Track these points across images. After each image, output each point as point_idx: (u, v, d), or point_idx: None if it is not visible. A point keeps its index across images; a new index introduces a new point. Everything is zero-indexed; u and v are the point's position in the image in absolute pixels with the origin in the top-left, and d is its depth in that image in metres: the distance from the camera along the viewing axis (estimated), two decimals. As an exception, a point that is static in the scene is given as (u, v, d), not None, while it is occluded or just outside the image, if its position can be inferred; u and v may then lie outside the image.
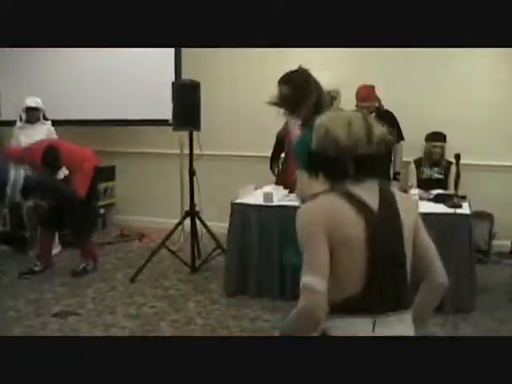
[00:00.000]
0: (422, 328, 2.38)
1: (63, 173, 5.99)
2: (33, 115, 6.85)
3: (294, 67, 3.84)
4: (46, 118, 6.96)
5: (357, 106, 6.36)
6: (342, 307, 2.17)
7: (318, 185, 3.78)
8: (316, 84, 3.79)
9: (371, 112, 6.29)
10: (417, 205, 2.63)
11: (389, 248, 2.19)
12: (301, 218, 2.21)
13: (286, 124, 6.28)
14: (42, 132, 6.79)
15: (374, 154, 2.25)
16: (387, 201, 2.25)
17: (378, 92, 6.56)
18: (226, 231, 5.73)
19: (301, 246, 2.18)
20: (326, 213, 2.16)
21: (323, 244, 2.12)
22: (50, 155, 5.98)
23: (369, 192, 2.23)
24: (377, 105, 6.52)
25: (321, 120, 2.30)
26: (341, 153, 2.20)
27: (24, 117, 6.89)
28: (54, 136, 6.83)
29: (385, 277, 2.18)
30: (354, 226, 2.15)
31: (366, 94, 6.40)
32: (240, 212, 5.64)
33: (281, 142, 6.49)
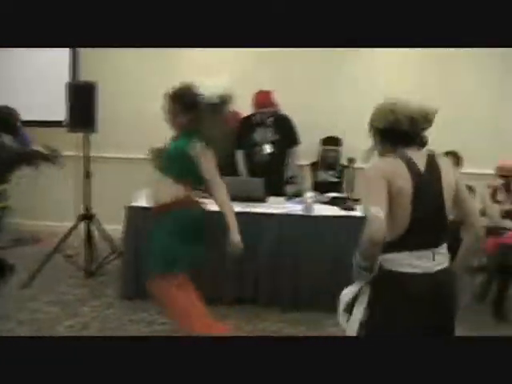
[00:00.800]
0: (466, 266, 3.29)
1: None
2: None
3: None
4: None
5: (255, 113, 6.39)
6: (391, 245, 2.85)
7: (169, 189, 4.08)
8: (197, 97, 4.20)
9: (269, 117, 6.35)
10: (455, 168, 3.22)
11: (430, 198, 2.90)
12: (369, 170, 2.90)
13: None
14: None
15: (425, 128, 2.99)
16: (432, 164, 2.96)
17: (276, 96, 6.59)
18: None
19: (366, 194, 2.85)
20: (387, 168, 2.89)
21: (384, 188, 2.80)
22: None
23: (419, 157, 2.96)
24: (274, 110, 6.52)
25: (382, 106, 3.01)
26: (414, 126, 2.93)
27: None
28: None
29: (426, 220, 2.88)
30: (405, 180, 2.86)
31: (264, 100, 6.41)
32: (134, 215, 5.60)
33: None
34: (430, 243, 2.92)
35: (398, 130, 2.94)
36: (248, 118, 6.44)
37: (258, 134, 6.36)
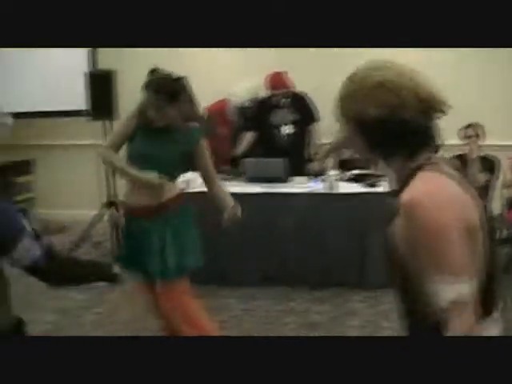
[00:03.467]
0: None
1: None
2: None
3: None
4: None
5: (270, 95, 6.35)
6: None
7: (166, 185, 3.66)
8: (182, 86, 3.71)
9: (285, 98, 6.31)
10: None
11: (488, 232, 1.75)
12: (429, 212, 1.61)
13: (206, 116, 6.36)
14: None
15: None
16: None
17: (292, 75, 6.53)
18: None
19: (427, 247, 1.63)
20: (455, 200, 1.66)
21: (466, 242, 1.63)
22: None
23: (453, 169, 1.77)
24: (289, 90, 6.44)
25: (368, 79, 1.74)
26: (428, 114, 1.75)
27: None
28: None
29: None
30: (474, 213, 1.69)
31: (278, 81, 6.34)
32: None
33: None
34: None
35: (407, 122, 1.69)
36: (263, 100, 6.41)
37: (276, 116, 6.33)
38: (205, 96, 6.74)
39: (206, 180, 3.87)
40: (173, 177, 3.77)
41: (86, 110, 6.60)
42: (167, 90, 3.59)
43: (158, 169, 3.62)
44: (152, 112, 3.59)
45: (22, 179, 8.12)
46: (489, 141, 5.92)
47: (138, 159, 3.70)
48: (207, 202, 3.87)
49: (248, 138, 6.41)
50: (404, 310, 1.88)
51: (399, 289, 1.87)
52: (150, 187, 3.64)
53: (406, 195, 1.65)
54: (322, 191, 5.51)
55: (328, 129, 6.60)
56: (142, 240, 3.71)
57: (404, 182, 1.73)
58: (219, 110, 6.31)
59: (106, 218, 6.88)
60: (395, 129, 1.69)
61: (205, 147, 3.77)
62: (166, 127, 3.65)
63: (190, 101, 3.73)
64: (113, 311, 5.15)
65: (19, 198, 7.95)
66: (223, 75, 7.20)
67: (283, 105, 6.29)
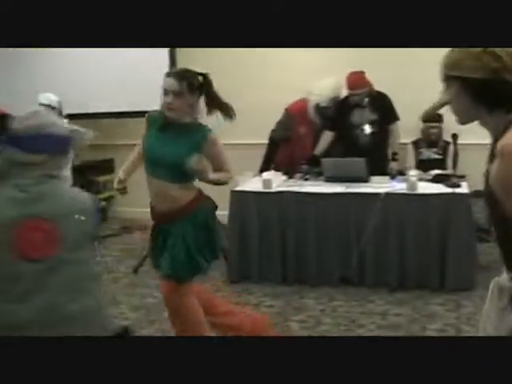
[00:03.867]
0: None
1: None
2: None
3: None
4: (63, 117, 6.98)
5: (349, 95, 6.31)
6: None
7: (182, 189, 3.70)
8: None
9: (364, 97, 6.25)
10: None
11: None
12: None
13: (287, 117, 6.36)
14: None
15: None
16: None
17: (369, 75, 6.47)
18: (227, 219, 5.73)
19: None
20: None
21: None
22: None
23: None
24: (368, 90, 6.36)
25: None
26: None
27: None
28: None
29: None
30: None
31: (357, 81, 6.27)
32: (239, 199, 5.66)
33: (276, 143, 6.49)
34: None
35: (507, 82, 1.91)
36: (343, 100, 6.37)
37: (356, 116, 6.28)
38: (284, 95, 6.87)
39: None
40: (187, 178, 3.73)
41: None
42: (190, 79, 3.67)
43: (169, 172, 3.65)
44: (169, 98, 3.63)
45: (103, 178, 8.30)
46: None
47: (151, 163, 3.77)
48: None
49: (326, 137, 6.37)
50: (503, 252, 2.08)
51: (498, 232, 2.05)
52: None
53: (504, 141, 1.84)
54: (404, 191, 5.43)
55: (405, 128, 6.54)
56: (160, 242, 3.85)
57: (501, 132, 1.92)
58: (300, 110, 6.31)
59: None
60: (498, 88, 1.94)
61: (215, 144, 3.73)
62: (177, 126, 3.68)
63: (214, 97, 3.74)
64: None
65: (101, 196, 8.13)
66: (302, 74, 7.19)
67: (363, 104, 6.24)
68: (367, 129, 6.25)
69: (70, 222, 2.20)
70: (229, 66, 7.60)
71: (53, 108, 6.89)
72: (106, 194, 8.42)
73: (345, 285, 5.51)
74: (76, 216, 2.22)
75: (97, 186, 8.20)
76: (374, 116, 6.26)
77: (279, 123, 6.47)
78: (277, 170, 6.31)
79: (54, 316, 2.18)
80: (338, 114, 6.28)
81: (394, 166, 6.03)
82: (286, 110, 6.49)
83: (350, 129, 6.28)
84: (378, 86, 6.45)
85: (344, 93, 6.34)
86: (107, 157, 8.38)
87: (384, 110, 6.32)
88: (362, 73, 6.30)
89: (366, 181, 5.74)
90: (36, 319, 2.15)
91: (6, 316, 2.14)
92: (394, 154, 6.14)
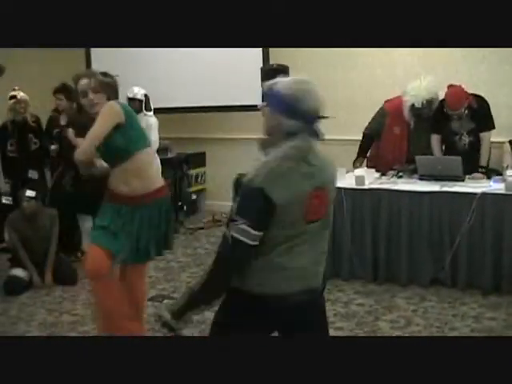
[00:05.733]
0: None
1: None
2: (133, 106, 6.95)
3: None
4: (149, 109, 7.12)
5: (447, 112, 6.10)
6: None
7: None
8: None
9: (464, 111, 6.01)
10: None
11: None
12: None
13: (382, 113, 6.26)
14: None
15: None
16: None
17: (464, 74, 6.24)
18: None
19: None
20: None
21: None
22: None
23: None
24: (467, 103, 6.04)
25: None
26: None
27: None
28: (150, 128, 6.86)
29: None
30: None
31: (456, 102, 5.95)
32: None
33: (371, 137, 6.40)
34: None
35: None
36: (442, 107, 6.14)
37: (456, 124, 6.09)
38: (384, 91, 6.80)
39: None
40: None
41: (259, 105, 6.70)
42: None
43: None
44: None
45: (195, 171, 8.41)
46: None
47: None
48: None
49: (436, 142, 6.20)
50: None
51: None
52: None
53: None
54: (501, 191, 5.27)
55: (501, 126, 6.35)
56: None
57: None
58: (395, 108, 6.17)
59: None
60: None
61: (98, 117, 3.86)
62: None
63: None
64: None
65: (193, 189, 8.26)
66: (398, 73, 7.16)
67: (463, 116, 6.02)
68: (466, 138, 6.08)
69: (332, 189, 2.59)
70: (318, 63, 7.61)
71: (139, 101, 7.03)
72: (198, 187, 8.54)
73: (436, 285, 5.40)
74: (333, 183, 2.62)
75: (188, 178, 8.31)
76: (472, 125, 6.07)
77: (374, 118, 6.38)
78: (369, 166, 6.24)
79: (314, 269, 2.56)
80: (439, 118, 6.10)
81: (478, 176, 5.84)
82: (384, 105, 6.39)
83: (451, 135, 6.11)
84: (474, 87, 6.27)
85: (440, 94, 6.13)
86: (199, 150, 8.49)
87: (480, 117, 6.12)
88: (460, 90, 6.00)
89: (462, 180, 5.60)
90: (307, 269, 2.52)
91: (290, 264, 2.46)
92: (481, 167, 5.97)
